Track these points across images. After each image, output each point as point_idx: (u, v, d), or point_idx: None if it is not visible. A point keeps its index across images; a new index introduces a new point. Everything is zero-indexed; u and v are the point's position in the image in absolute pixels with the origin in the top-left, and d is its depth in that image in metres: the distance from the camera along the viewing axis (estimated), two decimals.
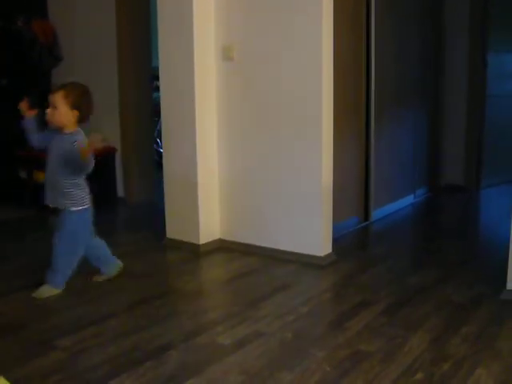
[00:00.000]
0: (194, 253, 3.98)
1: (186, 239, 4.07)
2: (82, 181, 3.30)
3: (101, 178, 5.54)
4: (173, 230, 4.18)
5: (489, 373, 2.34)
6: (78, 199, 3.27)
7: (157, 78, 4.25)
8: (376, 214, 4.80)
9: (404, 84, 5.19)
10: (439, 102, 5.98)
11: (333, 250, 3.85)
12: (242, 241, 4.03)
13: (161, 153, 4.61)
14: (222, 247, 4.09)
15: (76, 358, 2.51)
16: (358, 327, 2.79)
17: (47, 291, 3.23)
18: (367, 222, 4.72)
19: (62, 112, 3.17)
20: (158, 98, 4.21)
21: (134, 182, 5.58)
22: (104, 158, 5.53)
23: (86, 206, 3.30)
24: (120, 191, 5.63)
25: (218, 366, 2.44)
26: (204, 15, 3.91)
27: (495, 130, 6.01)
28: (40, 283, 3.28)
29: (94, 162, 3.17)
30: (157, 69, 4.18)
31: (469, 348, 2.56)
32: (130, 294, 3.28)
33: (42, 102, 3.38)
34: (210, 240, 4.09)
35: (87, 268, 3.41)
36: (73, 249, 3.28)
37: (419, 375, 2.33)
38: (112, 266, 3.49)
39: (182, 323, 2.90)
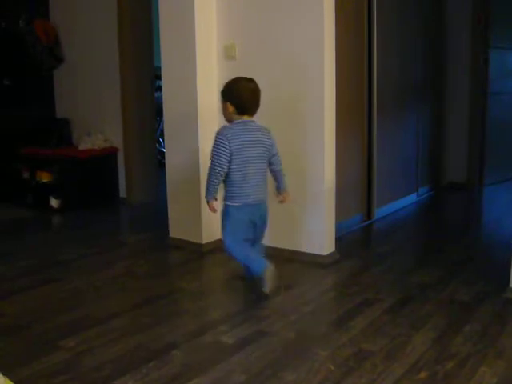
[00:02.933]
0: (196, 252, 3.98)
1: (188, 239, 4.08)
2: None
3: (103, 178, 5.57)
4: (175, 230, 4.18)
5: (492, 371, 2.34)
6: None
7: (159, 77, 4.25)
8: (379, 212, 4.80)
9: (406, 82, 5.19)
10: (441, 100, 5.97)
11: (336, 249, 3.85)
12: None
13: (163, 152, 4.61)
14: None
15: (80, 358, 2.51)
16: (361, 326, 2.79)
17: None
18: (370, 221, 4.72)
19: (222, 107, 3.18)
20: (160, 97, 4.22)
21: (136, 181, 5.59)
22: (106, 158, 5.56)
23: None
24: (122, 191, 5.64)
25: (222, 365, 2.44)
26: (206, 14, 3.91)
27: (497, 127, 6.00)
28: (42, 283, 3.28)
29: None
30: (159, 68, 4.18)
31: (472, 346, 2.56)
32: (134, 293, 3.29)
33: None
34: (213, 239, 4.09)
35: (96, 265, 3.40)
36: None
37: (423, 374, 2.33)
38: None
39: (185, 323, 2.90)
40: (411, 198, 5.42)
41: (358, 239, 4.40)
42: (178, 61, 3.98)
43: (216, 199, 3.17)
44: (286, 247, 3.85)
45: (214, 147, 3.07)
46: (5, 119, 5.51)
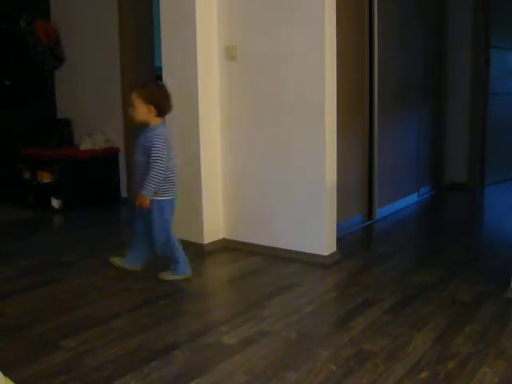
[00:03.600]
0: (198, 252, 3.98)
1: (190, 239, 4.07)
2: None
3: (104, 179, 5.57)
4: (177, 230, 4.16)
5: (493, 371, 2.34)
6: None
7: (160, 78, 4.25)
8: (380, 212, 4.80)
9: (407, 83, 5.19)
10: (442, 100, 5.97)
11: (337, 249, 3.85)
12: (246, 240, 4.04)
13: None
14: (226, 247, 4.10)
15: (81, 358, 2.51)
16: (362, 326, 2.79)
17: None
18: (371, 221, 4.72)
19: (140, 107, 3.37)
20: None
21: None
22: (107, 159, 5.56)
23: None
24: (123, 191, 5.64)
25: (223, 365, 2.44)
26: (207, 15, 3.91)
27: (498, 127, 6.00)
28: (43, 283, 3.28)
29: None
30: (160, 69, 4.18)
31: (473, 346, 2.56)
32: (135, 294, 3.29)
33: None
34: (214, 240, 4.09)
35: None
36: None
37: (424, 374, 2.33)
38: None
39: (186, 323, 2.90)
40: (412, 198, 5.42)
41: (359, 239, 4.41)
42: (179, 61, 3.97)
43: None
44: (287, 247, 3.85)
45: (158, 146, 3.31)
46: (6, 119, 5.51)
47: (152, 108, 3.31)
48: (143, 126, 3.39)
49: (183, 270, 3.48)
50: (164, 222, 3.41)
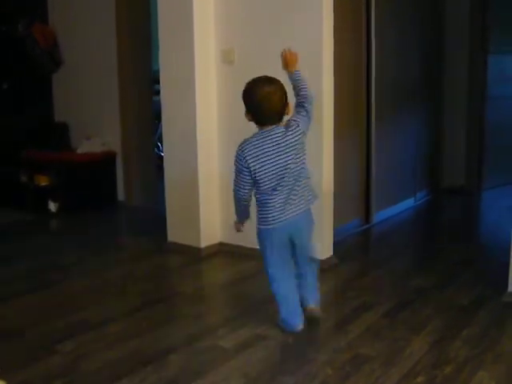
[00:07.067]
0: (195, 256, 3.97)
1: (186, 243, 4.07)
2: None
3: (102, 182, 5.57)
4: (174, 234, 4.18)
5: (491, 375, 2.34)
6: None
7: (157, 81, 4.25)
8: (377, 216, 4.80)
9: (404, 86, 5.19)
10: (439, 104, 5.98)
11: (334, 253, 3.84)
12: (243, 244, 4.02)
13: (161, 156, 4.61)
14: (223, 250, 4.09)
15: (77, 361, 2.51)
16: (359, 330, 2.79)
17: None
18: (368, 225, 4.72)
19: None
20: (159, 101, 4.22)
21: (134, 185, 5.59)
22: (105, 162, 5.55)
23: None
24: (121, 195, 5.63)
25: (220, 369, 2.44)
26: (204, 18, 3.91)
27: (496, 131, 6.00)
28: (40, 286, 3.28)
29: None
30: (157, 72, 4.18)
31: (470, 350, 2.56)
32: (131, 297, 3.28)
33: None
34: (211, 243, 4.09)
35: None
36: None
37: (421, 378, 2.33)
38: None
39: (183, 327, 2.90)
40: (409, 203, 5.42)
41: (356, 243, 4.40)
42: (176, 65, 3.98)
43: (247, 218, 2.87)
44: None
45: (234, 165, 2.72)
46: (3, 123, 5.51)
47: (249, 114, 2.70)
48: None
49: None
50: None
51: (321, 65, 3.59)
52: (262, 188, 2.65)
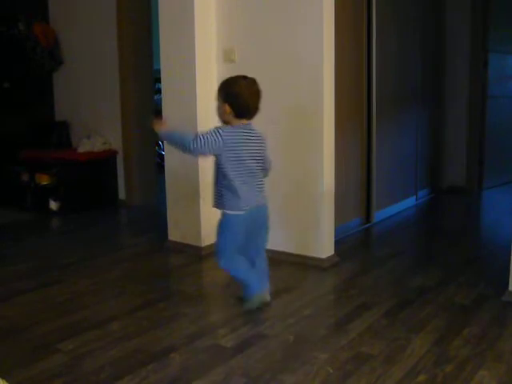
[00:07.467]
0: (195, 255, 3.98)
1: (187, 242, 4.07)
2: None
3: (102, 181, 5.58)
4: (174, 233, 4.18)
5: (491, 374, 2.34)
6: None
7: (158, 80, 4.25)
8: (378, 215, 4.80)
9: (405, 86, 5.20)
10: (440, 103, 5.98)
11: (335, 252, 3.85)
12: None
13: (163, 155, 4.61)
14: None
15: (79, 360, 2.51)
16: (360, 329, 2.79)
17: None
18: (369, 224, 4.72)
19: (217, 106, 2.88)
20: (160, 100, 4.22)
21: (135, 184, 5.59)
22: (105, 161, 5.56)
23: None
24: (121, 194, 5.64)
25: (221, 368, 2.43)
26: (205, 18, 3.91)
27: (496, 131, 6.01)
28: (41, 286, 3.28)
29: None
30: (158, 71, 4.19)
31: (471, 350, 2.56)
32: (133, 296, 3.28)
33: None
34: (212, 242, 4.07)
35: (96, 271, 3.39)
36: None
37: (422, 377, 2.33)
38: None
39: (184, 326, 2.90)
40: (410, 202, 5.42)
41: (357, 242, 4.40)
42: (177, 64, 3.98)
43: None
44: (285, 250, 3.85)
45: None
46: (4, 122, 5.51)
47: (227, 106, 2.82)
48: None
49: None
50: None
51: (321, 66, 3.59)
52: (234, 173, 2.81)
